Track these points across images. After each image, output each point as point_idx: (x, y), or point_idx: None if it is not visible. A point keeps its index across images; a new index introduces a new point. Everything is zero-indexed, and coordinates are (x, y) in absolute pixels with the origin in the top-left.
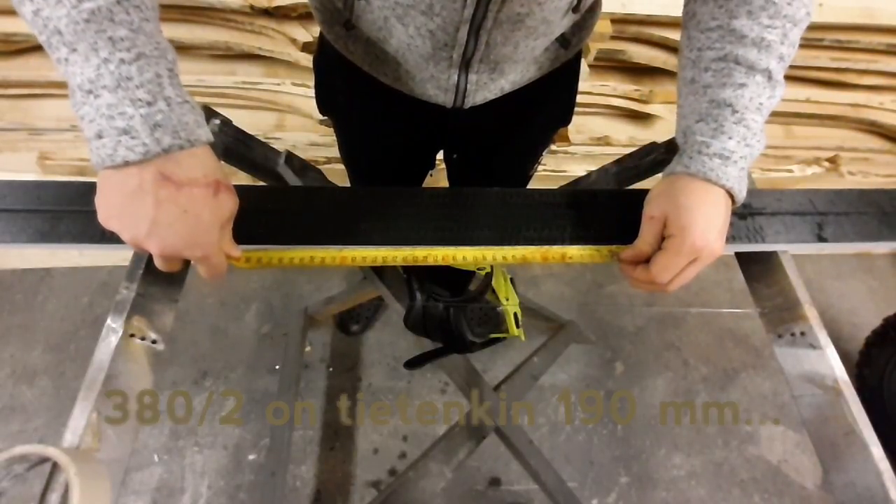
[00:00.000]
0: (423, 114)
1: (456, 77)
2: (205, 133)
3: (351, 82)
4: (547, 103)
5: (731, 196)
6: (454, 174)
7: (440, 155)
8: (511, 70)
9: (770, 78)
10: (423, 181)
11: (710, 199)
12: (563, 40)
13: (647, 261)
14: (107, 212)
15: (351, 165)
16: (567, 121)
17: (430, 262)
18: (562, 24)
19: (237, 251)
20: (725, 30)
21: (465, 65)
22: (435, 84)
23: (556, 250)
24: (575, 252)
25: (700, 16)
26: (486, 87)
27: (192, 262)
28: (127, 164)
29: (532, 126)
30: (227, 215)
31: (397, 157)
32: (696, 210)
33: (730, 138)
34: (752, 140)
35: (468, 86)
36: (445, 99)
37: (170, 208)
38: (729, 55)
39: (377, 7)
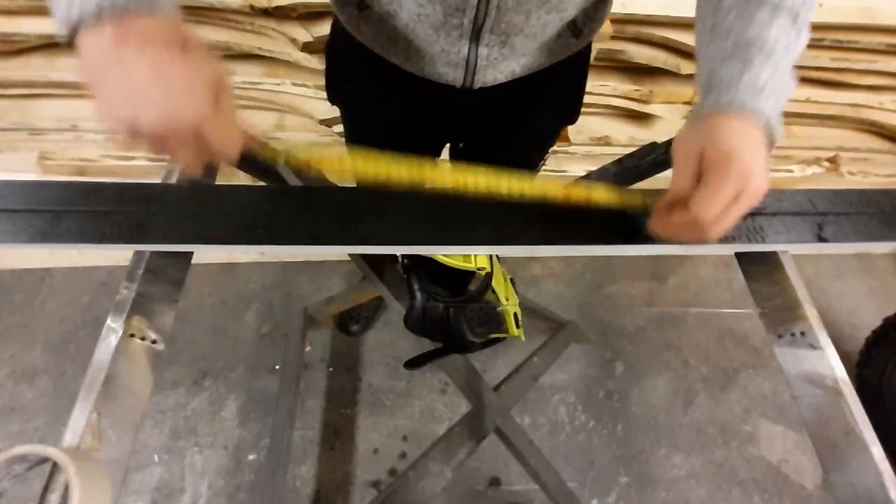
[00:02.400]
0: (433, 96)
1: (466, 50)
2: (168, 3)
3: (361, 67)
4: (555, 96)
5: (768, 134)
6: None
7: (445, 153)
8: (522, 48)
9: (795, 20)
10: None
11: (747, 132)
12: (574, 27)
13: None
14: (87, 76)
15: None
16: (574, 118)
17: (451, 182)
18: (574, 1)
19: (244, 133)
20: None
21: (476, 35)
22: (445, 59)
23: (581, 189)
24: (602, 194)
25: None
26: (496, 66)
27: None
28: (81, 24)
29: (539, 119)
30: (207, 77)
31: (404, 146)
32: (736, 139)
33: (760, 73)
34: (783, 78)
35: (478, 60)
36: (455, 76)
37: (137, 72)
38: None
39: None
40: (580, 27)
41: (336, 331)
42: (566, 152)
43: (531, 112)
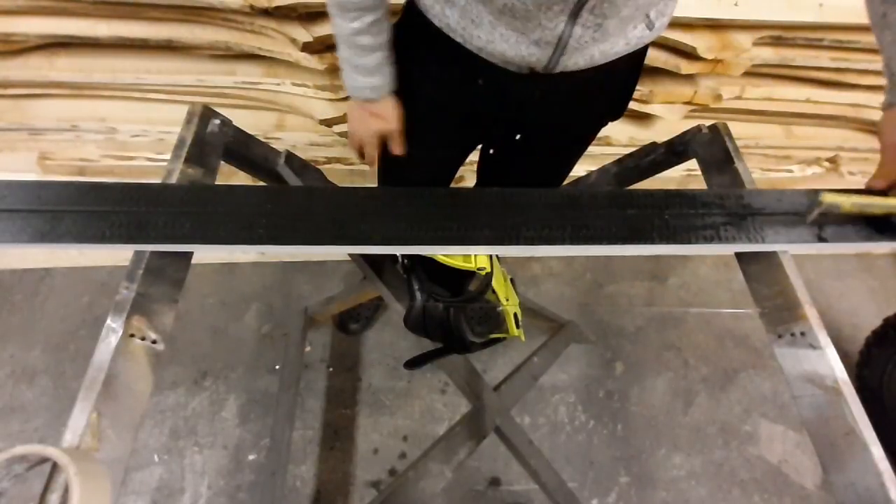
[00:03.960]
0: (500, 84)
1: (562, 27)
2: (389, 86)
3: (431, 49)
4: (609, 89)
5: None
6: (494, 174)
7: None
8: (612, 32)
9: None
10: (459, 167)
11: None
12: (648, 19)
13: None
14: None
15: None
16: (620, 114)
17: None
18: None
19: (398, 150)
20: None
21: (576, 13)
22: (538, 37)
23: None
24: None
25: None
26: (583, 49)
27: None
28: (351, 98)
29: (592, 113)
30: (378, 128)
31: (451, 131)
32: None
33: None
34: None
35: (570, 40)
36: (541, 56)
37: (360, 123)
38: None
39: None
40: (653, 20)
41: (336, 331)
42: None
43: (587, 105)
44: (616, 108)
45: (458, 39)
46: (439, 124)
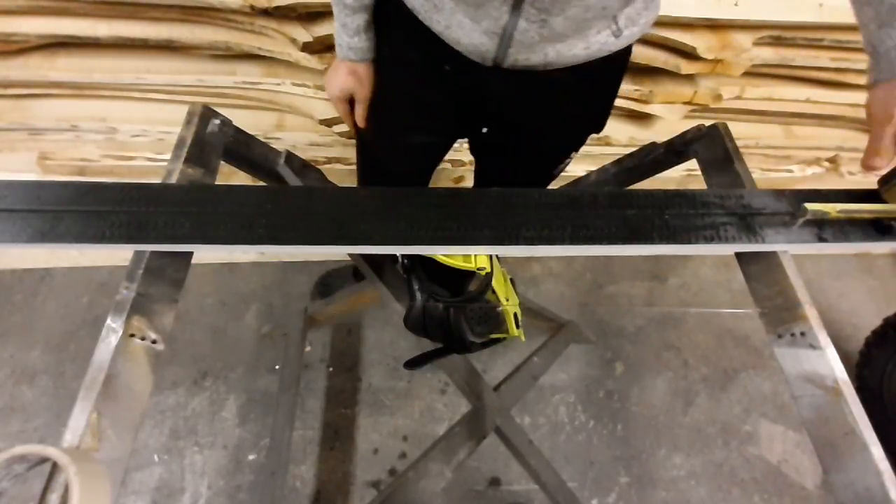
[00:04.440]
0: (466, 72)
1: (506, 18)
2: (369, 52)
3: (402, 31)
4: (584, 99)
5: None
6: (480, 173)
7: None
8: (561, 30)
9: None
10: (438, 163)
11: None
12: (615, 27)
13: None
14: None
15: (376, 128)
16: (600, 127)
17: None
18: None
19: (362, 116)
20: None
21: (518, 4)
22: (485, 27)
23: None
24: None
25: None
26: (532, 47)
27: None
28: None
29: (565, 119)
30: (349, 87)
31: (428, 121)
32: None
33: None
34: None
35: (515, 33)
36: (490, 47)
37: (334, 72)
38: None
39: None
40: (621, 28)
41: (336, 331)
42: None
43: (557, 109)
44: (595, 119)
45: (425, 23)
46: (409, 107)
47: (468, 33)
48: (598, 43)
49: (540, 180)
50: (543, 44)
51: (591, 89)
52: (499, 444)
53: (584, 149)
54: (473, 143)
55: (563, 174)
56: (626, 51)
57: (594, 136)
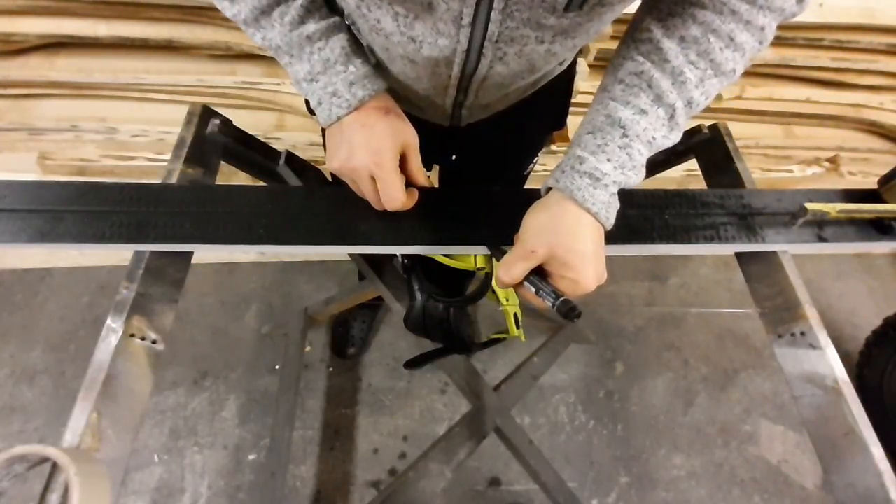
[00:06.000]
0: (424, 128)
1: (451, 110)
2: (381, 82)
3: None
4: (542, 110)
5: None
6: (447, 176)
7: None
8: (504, 103)
9: (672, 117)
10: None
11: (583, 229)
12: (534, 74)
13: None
14: (330, 155)
15: None
16: (561, 125)
17: None
18: (546, 67)
19: (423, 179)
20: (654, 45)
21: (458, 105)
22: (433, 112)
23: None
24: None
25: (639, 23)
26: (483, 110)
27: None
28: (339, 118)
29: (526, 132)
30: (400, 135)
31: None
32: (580, 252)
33: (608, 160)
34: (630, 171)
35: (462, 115)
36: (443, 121)
37: (356, 130)
38: (645, 73)
39: (379, 56)
40: (540, 70)
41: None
42: (566, 152)
43: (520, 127)
44: (555, 121)
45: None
46: None
47: (420, 111)
48: (544, 79)
49: (514, 182)
50: (493, 106)
51: (546, 102)
52: (499, 444)
53: None
54: (444, 166)
55: None
56: (573, 61)
57: None
